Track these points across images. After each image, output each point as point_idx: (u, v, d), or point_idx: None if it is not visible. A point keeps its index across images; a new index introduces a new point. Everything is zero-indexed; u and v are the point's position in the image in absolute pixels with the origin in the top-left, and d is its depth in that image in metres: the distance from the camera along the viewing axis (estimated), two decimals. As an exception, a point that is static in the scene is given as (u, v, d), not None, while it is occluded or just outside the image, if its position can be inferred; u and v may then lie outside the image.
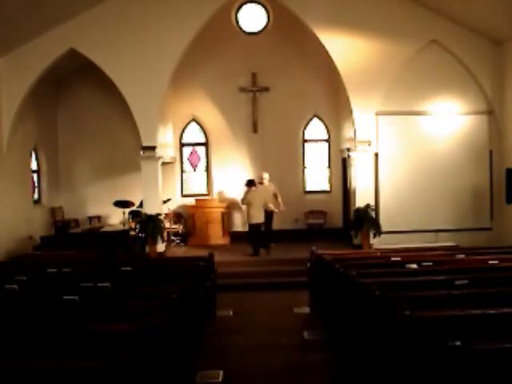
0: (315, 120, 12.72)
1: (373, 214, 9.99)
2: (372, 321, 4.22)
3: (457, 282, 4.60)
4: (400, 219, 10.30)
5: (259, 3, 12.10)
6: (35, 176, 11.54)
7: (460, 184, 10.49)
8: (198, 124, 12.68)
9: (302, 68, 12.22)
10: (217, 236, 11.55)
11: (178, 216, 12.14)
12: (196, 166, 12.84)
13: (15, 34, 9.22)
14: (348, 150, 10.82)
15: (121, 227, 11.34)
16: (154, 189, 10.11)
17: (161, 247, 10.01)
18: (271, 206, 10.33)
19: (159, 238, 9.74)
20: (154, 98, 9.93)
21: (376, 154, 10.46)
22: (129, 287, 5.12)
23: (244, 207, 10.91)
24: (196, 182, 12.86)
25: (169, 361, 3.66)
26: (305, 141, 12.74)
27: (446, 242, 9.87)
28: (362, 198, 10.16)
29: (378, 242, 9.81)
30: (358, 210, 10.02)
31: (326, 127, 12.71)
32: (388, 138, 10.48)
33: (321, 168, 12.88)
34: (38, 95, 10.77)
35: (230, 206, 12.06)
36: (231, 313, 7.21)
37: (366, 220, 9.85)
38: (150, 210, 9.88)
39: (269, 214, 10.54)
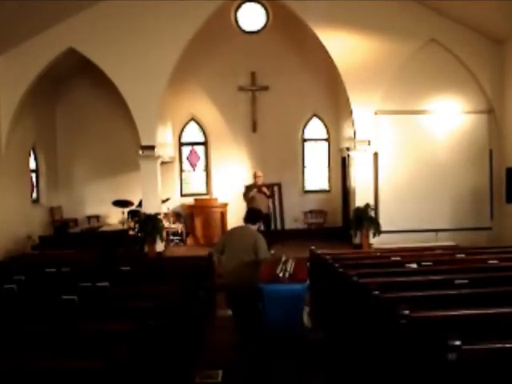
0: (315, 119, 12.73)
1: (372, 213, 9.99)
2: (371, 321, 4.21)
3: (457, 282, 4.59)
4: (400, 218, 10.28)
5: (258, 2, 12.09)
6: (34, 175, 11.51)
7: (460, 183, 10.48)
8: (197, 123, 12.67)
9: (301, 67, 12.21)
10: (216, 235, 11.47)
11: (177, 215, 12.13)
12: (195, 166, 12.84)
13: (14, 32, 9.18)
14: (347, 149, 10.82)
15: (120, 227, 11.34)
16: (153, 188, 10.11)
17: (160, 247, 10.00)
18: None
19: (158, 237, 9.73)
20: (153, 98, 9.91)
21: (375, 154, 10.45)
22: (128, 287, 5.10)
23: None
24: (195, 182, 12.86)
25: (168, 360, 3.65)
26: (304, 140, 12.74)
27: (445, 241, 9.85)
28: (362, 197, 10.15)
29: (377, 242, 9.81)
30: (358, 209, 10.02)
31: (326, 126, 12.71)
32: (387, 137, 10.47)
33: (320, 167, 12.88)
34: (37, 94, 10.73)
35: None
36: (231, 313, 7.19)
37: (365, 219, 9.85)
38: (149, 209, 9.87)
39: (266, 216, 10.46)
